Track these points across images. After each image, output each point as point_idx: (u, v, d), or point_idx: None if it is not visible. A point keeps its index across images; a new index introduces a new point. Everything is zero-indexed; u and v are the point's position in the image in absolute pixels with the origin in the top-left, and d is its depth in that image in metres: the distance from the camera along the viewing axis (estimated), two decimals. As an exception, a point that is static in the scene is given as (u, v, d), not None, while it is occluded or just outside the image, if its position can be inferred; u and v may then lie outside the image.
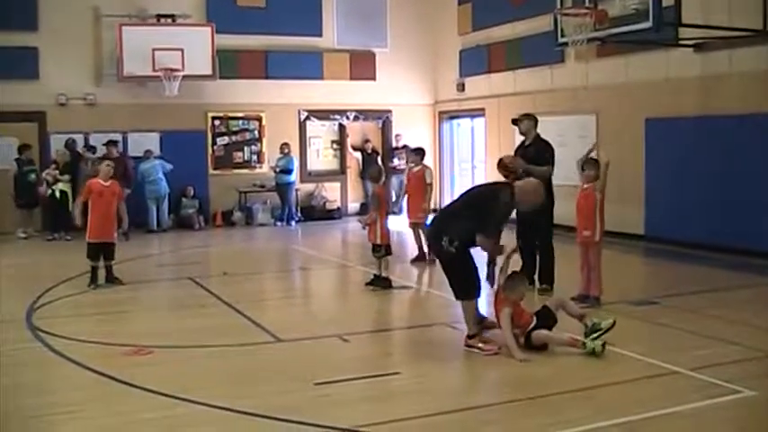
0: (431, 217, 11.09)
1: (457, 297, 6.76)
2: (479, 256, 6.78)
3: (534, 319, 6.65)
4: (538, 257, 9.14)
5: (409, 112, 18.94)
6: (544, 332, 6.57)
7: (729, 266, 10.70)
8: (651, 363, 6.20)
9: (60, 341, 7.19)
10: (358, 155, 18.49)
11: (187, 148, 16.76)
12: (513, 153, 9.54)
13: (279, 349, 7.03)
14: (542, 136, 9.31)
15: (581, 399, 5.47)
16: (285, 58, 17.56)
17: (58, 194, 14.57)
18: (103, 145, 15.39)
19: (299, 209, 17.60)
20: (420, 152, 12.15)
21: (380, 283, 9.58)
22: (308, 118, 18.15)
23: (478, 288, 6.70)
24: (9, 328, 7.81)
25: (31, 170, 15.03)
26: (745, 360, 6.31)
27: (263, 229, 16.63)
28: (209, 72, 16.37)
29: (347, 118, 18.49)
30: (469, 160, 18.63)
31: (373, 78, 18.58)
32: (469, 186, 17.72)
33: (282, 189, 17.03)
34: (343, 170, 18.75)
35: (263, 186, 17.35)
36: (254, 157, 17.78)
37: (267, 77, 17.53)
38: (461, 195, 7.21)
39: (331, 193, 18.42)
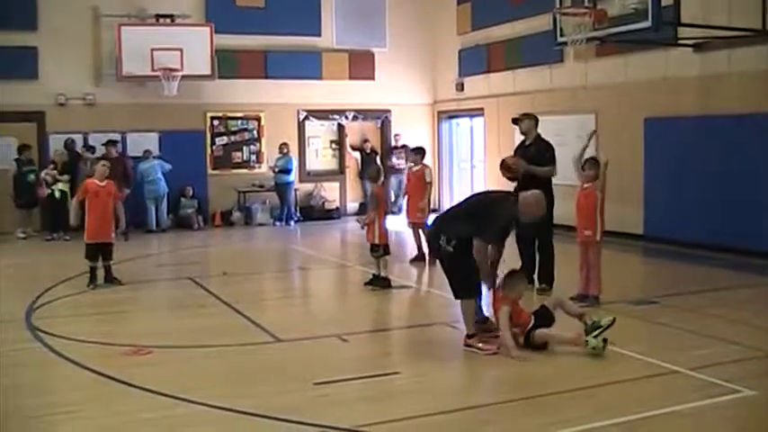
0: (430, 216, 11.15)
1: (456, 296, 6.76)
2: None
3: (533, 318, 6.65)
4: (537, 257, 9.14)
5: (408, 112, 18.94)
6: (546, 331, 6.57)
7: (729, 266, 10.69)
8: (651, 362, 6.20)
9: (59, 341, 7.18)
10: (357, 155, 18.49)
11: (186, 148, 16.76)
12: (512, 153, 9.54)
13: (278, 349, 7.02)
14: (542, 136, 9.31)
15: (580, 398, 5.47)
16: (284, 58, 17.56)
17: (57, 194, 14.57)
18: (103, 145, 15.39)
19: (298, 209, 17.60)
20: (420, 151, 12.16)
21: (380, 282, 9.58)
22: (306, 118, 18.15)
23: (478, 287, 6.70)
24: (8, 328, 7.80)
25: (31, 170, 15.03)
26: (744, 359, 6.30)
27: (262, 229, 16.63)
28: (208, 72, 16.37)
29: (346, 118, 18.49)
30: (469, 160, 18.63)
31: (372, 78, 18.58)
32: (472, 191, 18.00)
33: (281, 189, 17.03)
34: (342, 170, 18.75)
35: (262, 186, 17.34)
36: (253, 157, 17.78)
37: (266, 77, 17.53)
38: (464, 200, 7.24)
39: (330, 192, 18.42)
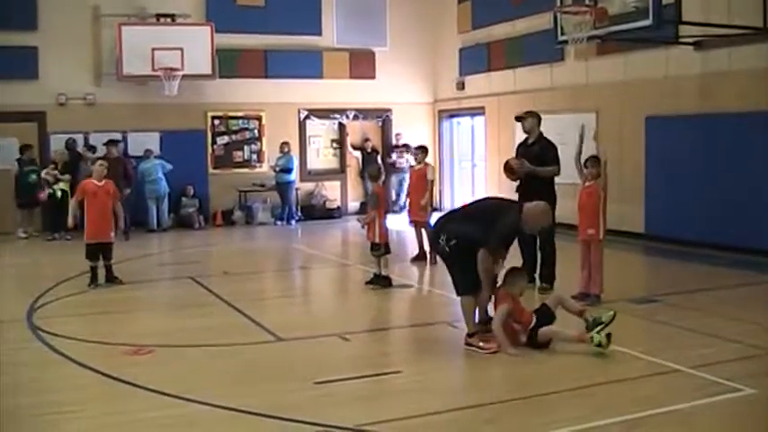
0: (432, 215, 11.15)
1: (457, 293, 6.77)
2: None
3: (534, 317, 6.66)
4: (539, 256, 9.13)
5: (409, 111, 18.94)
6: (552, 328, 6.57)
7: (730, 264, 10.69)
8: (651, 361, 6.20)
9: (61, 341, 7.19)
10: (358, 154, 18.50)
11: (187, 147, 16.76)
12: (514, 151, 9.53)
13: (279, 348, 7.03)
14: (544, 134, 9.30)
15: (581, 397, 5.47)
16: (285, 58, 17.56)
17: (59, 194, 14.57)
18: (104, 145, 15.38)
19: (299, 208, 17.60)
20: (423, 150, 12.16)
21: (380, 281, 9.58)
22: (307, 117, 18.15)
23: (478, 284, 6.70)
24: (10, 328, 7.81)
25: (32, 170, 15.02)
26: (745, 358, 6.30)
27: (263, 229, 16.63)
28: (208, 71, 16.38)
29: (347, 117, 18.49)
30: (469, 159, 18.63)
31: (373, 77, 18.58)
32: (473, 190, 17.98)
33: (282, 188, 17.03)
34: (342, 169, 18.75)
35: (263, 185, 17.34)
36: (254, 157, 17.78)
37: (267, 77, 17.53)
38: (470, 203, 7.26)
39: (331, 192, 18.42)
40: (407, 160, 17.07)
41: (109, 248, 10.06)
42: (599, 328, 6.47)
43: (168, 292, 10.18)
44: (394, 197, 17.69)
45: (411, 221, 11.97)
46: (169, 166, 16.03)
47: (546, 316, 6.69)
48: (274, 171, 16.98)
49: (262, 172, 17.60)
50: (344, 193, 18.71)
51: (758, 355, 6.38)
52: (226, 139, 17.55)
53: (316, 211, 17.90)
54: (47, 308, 8.75)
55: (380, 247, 9.60)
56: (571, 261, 8.76)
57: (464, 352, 6.62)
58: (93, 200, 9.87)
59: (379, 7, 18.57)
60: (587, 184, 8.35)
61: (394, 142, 18.57)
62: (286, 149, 17.07)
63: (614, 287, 8.59)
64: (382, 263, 9.64)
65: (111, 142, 15.30)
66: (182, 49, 15.88)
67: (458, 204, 17.68)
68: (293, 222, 17.08)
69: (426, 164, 12.00)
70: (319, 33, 18.01)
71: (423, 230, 11.51)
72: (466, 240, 6.54)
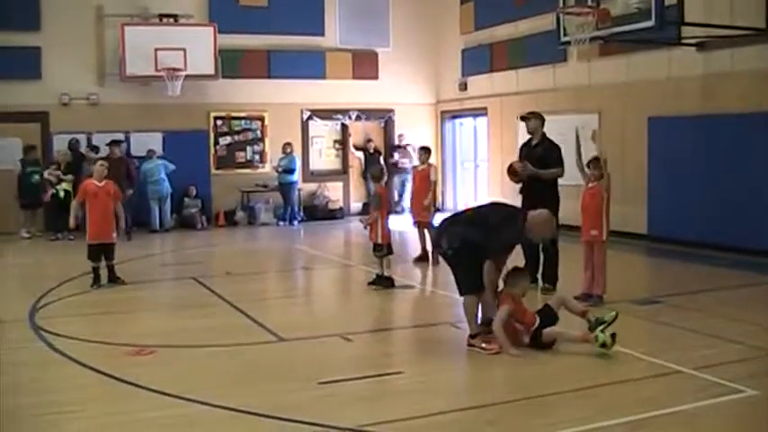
0: (435, 215, 11.16)
1: (460, 292, 6.77)
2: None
3: (538, 318, 6.65)
4: (542, 256, 9.12)
5: (411, 112, 18.93)
6: (556, 328, 6.57)
7: (733, 265, 10.68)
8: (654, 362, 6.19)
9: (63, 341, 7.19)
10: (360, 154, 18.50)
11: (190, 147, 16.77)
12: (516, 151, 9.52)
13: (282, 349, 7.03)
14: (547, 135, 9.30)
15: (583, 398, 5.46)
16: (287, 58, 17.56)
17: (62, 195, 14.58)
18: (107, 145, 15.38)
19: (301, 208, 17.61)
20: (426, 150, 12.16)
21: (383, 282, 9.57)
22: (310, 117, 18.15)
23: (481, 284, 6.69)
24: (12, 328, 7.82)
25: (35, 171, 15.04)
26: (748, 359, 6.29)
27: (266, 229, 16.64)
28: (211, 72, 16.38)
29: (349, 117, 18.49)
30: (472, 159, 18.62)
31: (376, 78, 18.57)
32: (475, 191, 17.98)
33: (285, 189, 17.03)
34: (345, 170, 18.74)
35: (265, 186, 17.35)
36: (257, 157, 17.79)
37: (270, 77, 17.53)
38: (474, 208, 7.26)
39: (333, 192, 18.42)
40: (411, 160, 17.07)
41: (111, 249, 10.06)
42: (602, 326, 6.46)
43: (170, 292, 10.19)
44: (396, 198, 17.69)
45: (414, 222, 11.98)
46: (172, 167, 16.04)
47: (549, 317, 6.68)
48: (277, 171, 16.99)
49: (264, 172, 17.60)
50: (347, 193, 18.70)
51: (761, 357, 6.38)
52: (228, 139, 17.55)
53: (318, 212, 17.90)
54: (49, 308, 8.75)
55: (383, 248, 9.59)
56: (574, 262, 8.75)
57: (466, 353, 6.62)
58: (94, 201, 9.87)
59: (381, 8, 18.57)
60: (590, 185, 8.35)
61: (396, 143, 18.56)
62: (289, 150, 17.07)
63: (617, 288, 8.59)
64: (385, 263, 9.63)
65: (114, 142, 15.31)
66: (184, 50, 15.89)
67: (460, 205, 17.77)
68: (296, 223, 17.08)
69: (429, 164, 12.00)
70: (322, 34, 18.01)
71: (425, 231, 11.52)
72: (469, 244, 6.55)
